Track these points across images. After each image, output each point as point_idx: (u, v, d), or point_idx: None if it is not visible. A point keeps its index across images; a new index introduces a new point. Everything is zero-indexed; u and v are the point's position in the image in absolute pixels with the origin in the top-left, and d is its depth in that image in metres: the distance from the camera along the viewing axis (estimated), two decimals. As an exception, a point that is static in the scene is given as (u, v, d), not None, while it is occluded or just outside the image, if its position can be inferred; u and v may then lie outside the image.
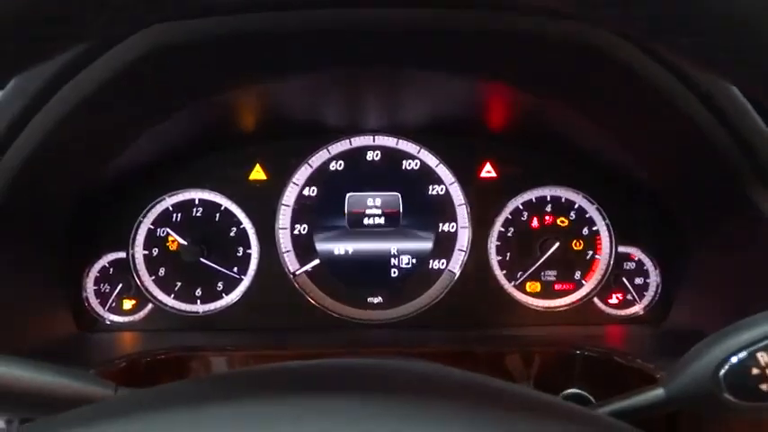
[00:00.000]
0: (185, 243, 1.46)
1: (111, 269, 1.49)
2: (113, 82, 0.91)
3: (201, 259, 1.47)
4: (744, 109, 1.05)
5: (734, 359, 0.84)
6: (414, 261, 1.53)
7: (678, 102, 1.01)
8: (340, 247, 1.52)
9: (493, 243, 1.51)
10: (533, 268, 1.50)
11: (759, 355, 0.82)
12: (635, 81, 1.02)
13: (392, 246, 1.53)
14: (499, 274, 1.51)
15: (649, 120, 1.14)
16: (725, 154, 1.08)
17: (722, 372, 0.85)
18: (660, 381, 0.90)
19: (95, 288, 1.48)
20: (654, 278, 1.50)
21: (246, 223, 1.50)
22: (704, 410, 0.87)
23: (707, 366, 0.86)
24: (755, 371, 0.82)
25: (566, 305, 1.51)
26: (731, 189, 1.13)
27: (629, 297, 1.51)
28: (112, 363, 1.15)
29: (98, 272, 1.48)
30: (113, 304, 1.49)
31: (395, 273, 1.53)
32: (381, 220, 1.52)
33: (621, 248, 1.51)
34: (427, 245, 1.52)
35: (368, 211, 1.52)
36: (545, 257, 1.49)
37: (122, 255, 1.48)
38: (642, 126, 1.18)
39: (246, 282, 1.49)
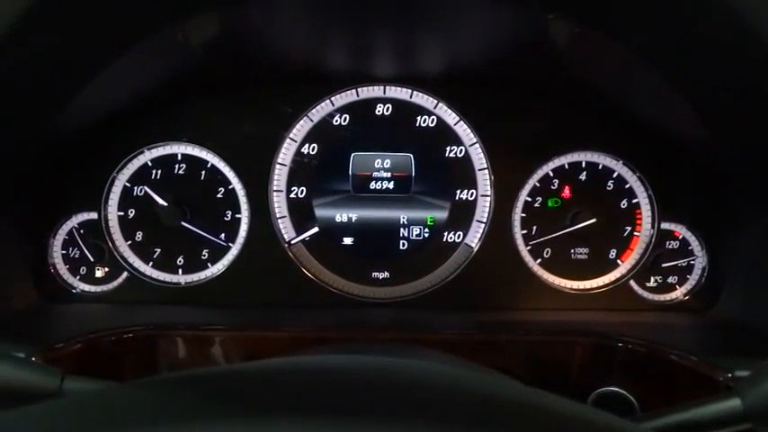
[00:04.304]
0: (165, 204, 1.28)
1: (82, 231, 1.31)
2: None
3: (183, 223, 1.29)
4: None
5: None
6: (426, 232, 1.34)
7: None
8: (342, 214, 1.33)
9: (517, 214, 1.32)
10: (562, 245, 1.32)
11: None
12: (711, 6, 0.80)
13: (402, 214, 1.34)
14: (523, 249, 1.32)
15: (721, 60, 0.92)
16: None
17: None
18: (734, 389, 0.72)
19: (63, 252, 1.31)
20: (700, 260, 1.31)
21: (236, 183, 1.31)
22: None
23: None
24: None
25: (597, 288, 1.32)
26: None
27: (670, 280, 1.32)
28: (68, 342, 0.98)
29: (66, 234, 1.30)
30: (83, 271, 1.31)
31: (404, 245, 1.34)
32: (390, 185, 1.33)
33: (664, 225, 1.31)
34: (442, 214, 1.33)
35: (375, 174, 1.33)
36: (576, 233, 1.30)
37: (94, 215, 1.30)
38: (709, 68, 0.96)
39: (235, 250, 1.31)
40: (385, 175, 1.33)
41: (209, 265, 1.31)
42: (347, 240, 1.34)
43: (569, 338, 1.14)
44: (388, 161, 1.33)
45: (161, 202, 1.28)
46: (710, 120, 1.05)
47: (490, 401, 0.48)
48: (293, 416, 0.41)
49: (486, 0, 0.99)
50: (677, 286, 1.32)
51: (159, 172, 1.30)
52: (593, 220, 1.29)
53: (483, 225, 1.32)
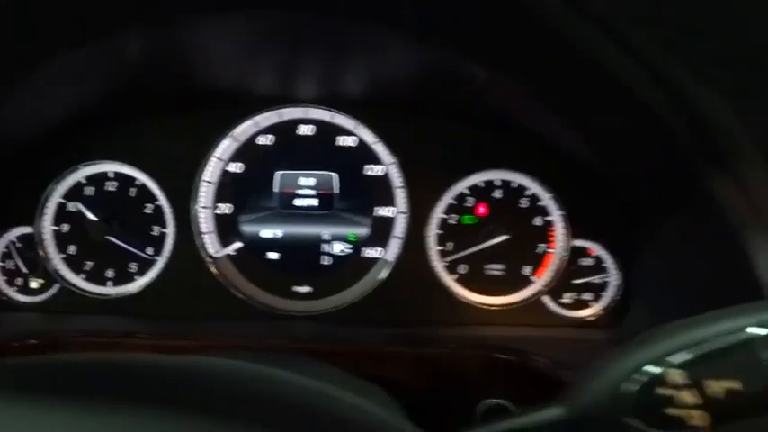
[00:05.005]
0: (93, 219, 1.34)
1: (20, 244, 1.37)
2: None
3: (110, 238, 1.34)
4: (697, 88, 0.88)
5: (638, 375, 0.69)
6: (348, 248, 1.38)
7: (621, 76, 0.85)
8: (267, 230, 1.39)
9: (432, 231, 1.35)
10: (478, 261, 1.35)
11: (667, 372, 0.67)
12: (572, 51, 0.85)
13: (325, 230, 1.38)
14: (438, 265, 1.35)
15: (594, 96, 0.97)
16: (674, 133, 0.91)
17: (625, 390, 0.69)
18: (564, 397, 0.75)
19: (2, 264, 1.37)
20: (614, 277, 1.34)
21: (163, 200, 1.36)
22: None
23: (609, 382, 0.71)
24: (662, 391, 0.67)
25: (512, 303, 1.35)
26: (686, 174, 0.96)
27: (584, 297, 1.35)
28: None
29: (5, 247, 1.37)
30: (20, 282, 1.37)
31: (327, 260, 1.39)
32: (314, 202, 1.38)
33: (578, 242, 1.34)
34: (364, 231, 1.38)
35: (299, 192, 1.38)
36: (492, 249, 1.33)
37: (30, 230, 1.37)
38: (588, 104, 1.01)
39: (161, 264, 1.36)
40: (309, 192, 1.38)
41: (136, 277, 1.37)
42: (272, 255, 1.39)
43: (458, 352, 1.17)
44: (311, 179, 1.38)
45: (90, 217, 1.34)
46: (602, 147, 1.09)
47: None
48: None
49: (409, 38, 1.04)
50: (592, 303, 1.34)
51: (92, 188, 1.37)
52: (506, 237, 1.32)
53: (400, 241, 1.36)
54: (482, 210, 1.35)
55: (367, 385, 0.95)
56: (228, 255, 1.37)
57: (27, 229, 1.37)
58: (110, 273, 1.37)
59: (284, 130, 1.38)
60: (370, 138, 1.37)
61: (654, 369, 0.67)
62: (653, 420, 0.67)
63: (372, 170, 1.37)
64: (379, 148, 1.37)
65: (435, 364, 1.19)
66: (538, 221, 1.35)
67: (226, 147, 1.37)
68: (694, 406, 0.65)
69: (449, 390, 1.16)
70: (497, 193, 1.35)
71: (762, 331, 0.64)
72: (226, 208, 1.38)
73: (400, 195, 1.36)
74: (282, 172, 1.38)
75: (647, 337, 0.71)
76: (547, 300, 1.35)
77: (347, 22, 1.02)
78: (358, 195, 1.38)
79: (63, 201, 1.37)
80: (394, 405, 0.92)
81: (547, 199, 1.34)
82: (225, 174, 1.38)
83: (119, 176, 1.37)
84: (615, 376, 0.69)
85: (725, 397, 0.65)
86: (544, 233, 1.35)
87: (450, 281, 1.35)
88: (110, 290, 1.37)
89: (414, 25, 0.97)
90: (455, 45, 1.00)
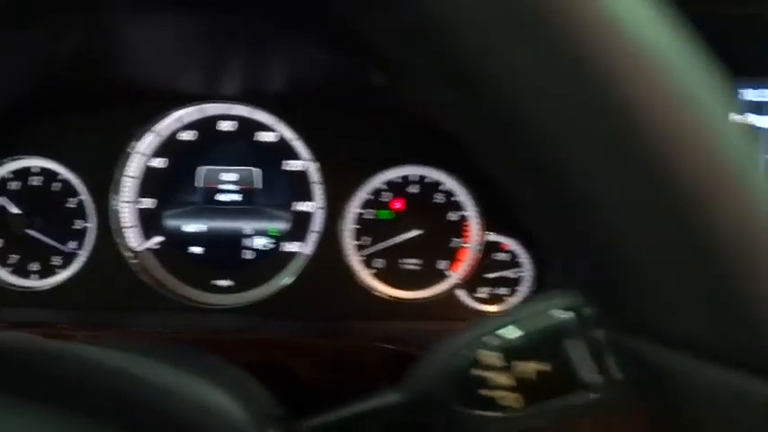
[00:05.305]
0: (14, 212, 1.36)
1: (-52, 239, 1.40)
2: None
3: (29, 231, 1.37)
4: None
5: (459, 357, 0.70)
6: (270, 243, 1.40)
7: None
8: (190, 225, 1.41)
9: (349, 226, 1.37)
10: (394, 256, 1.36)
11: (480, 352, 0.68)
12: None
13: (247, 225, 1.40)
14: (354, 260, 1.37)
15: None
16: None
17: (449, 372, 0.71)
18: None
19: (-70, 259, 1.40)
20: (528, 272, 1.35)
21: (86, 195, 1.39)
22: (437, 427, 0.73)
23: (436, 365, 0.73)
24: (478, 373, 0.68)
25: (428, 298, 1.37)
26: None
27: (499, 292, 1.36)
28: None
29: (-67, 241, 1.40)
30: (-54, 276, 1.40)
31: (249, 254, 1.40)
32: (237, 197, 1.40)
33: (493, 237, 1.35)
34: (284, 225, 1.40)
35: (222, 187, 1.40)
36: (408, 244, 1.35)
37: (-43, 224, 1.40)
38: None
39: (83, 257, 1.38)
40: (231, 187, 1.40)
41: (59, 271, 1.39)
42: (194, 250, 1.41)
43: (376, 346, 1.19)
44: (233, 175, 1.40)
45: (13, 211, 1.37)
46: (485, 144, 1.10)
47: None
48: None
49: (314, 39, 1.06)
50: (507, 297, 1.36)
51: (17, 183, 1.39)
52: (420, 231, 1.34)
53: (317, 236, 1.38)
54: (398, 205, 1.37)
55: (239, 376, 0.96)
56: (150, 249, 1.39)
57: (-46, 223, 1.40)
58: (34, 266, 1.39)
59: (206, 126, 1.40)
60: (289, 134, 1.39)
61: (471, 351, 0.68)
62: (471, 402, 0.68)
63: (292, 165, 1.39)
64: (299, 144, 1.38)
65: (346, 356, 1.21)
66: (453, 216, 1.36)
67: (149, 142, 1.39)
68: (508, 387, 0.66)
69: (356, 382, 1.17)
70: (413, 189, 1.37)
71: (565, 314, 0.65)
72: (149, 203, 1.40)
73: (318, 190, 1.38)
74: (205, 167, 1.40)
75: (476, 321, 0.73)
76: (462, 294, 1.36)
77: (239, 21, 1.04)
78: (279, 190, 1.40)
79: (-10, 195, 1.40)
80: (262, 397, 0.94)
81: (462, 194, 1.36)
82: (148, 169, 1.40)
83: (43, 171, 1.40)
84: (441, 359, 0.71)
85: (536, 378, 0.66)
86: (459, 228, 1.36)
87: (366, 275, 1.37)
88: (34, 283, 1.39)
89: (302, 26, 0.99)
90: (345, 48, 1.02)
